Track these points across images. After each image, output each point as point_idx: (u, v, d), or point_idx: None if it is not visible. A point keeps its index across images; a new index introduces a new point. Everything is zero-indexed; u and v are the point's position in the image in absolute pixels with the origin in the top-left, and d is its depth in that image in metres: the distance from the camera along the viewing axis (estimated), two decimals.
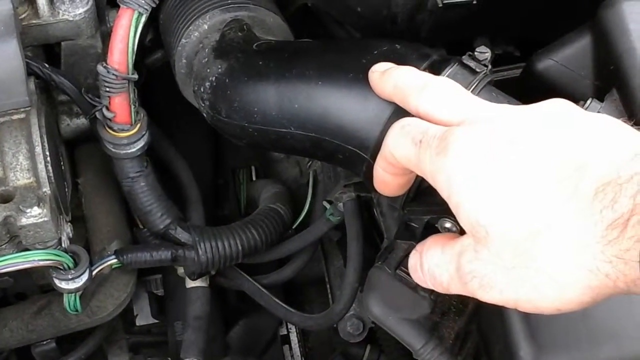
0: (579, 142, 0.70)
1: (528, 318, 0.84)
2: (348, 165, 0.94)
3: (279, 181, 1.39)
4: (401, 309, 0.87)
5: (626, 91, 0.89)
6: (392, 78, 0.85)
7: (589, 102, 0.88)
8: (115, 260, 1.18)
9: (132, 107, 1.07)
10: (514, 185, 0.70)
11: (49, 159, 1.04)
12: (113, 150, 1.10)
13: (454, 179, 0.72)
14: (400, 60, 0.88)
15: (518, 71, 1.08)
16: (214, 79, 1.03)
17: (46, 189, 1.03)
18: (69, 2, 1.08)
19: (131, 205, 1.18)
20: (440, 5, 1.02)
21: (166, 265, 1.22)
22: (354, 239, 1.18)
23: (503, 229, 0.69)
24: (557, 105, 0.74)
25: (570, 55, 0.98)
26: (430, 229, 0.82)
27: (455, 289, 0.76)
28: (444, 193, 0.73)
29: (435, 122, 0.77)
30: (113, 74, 1.02)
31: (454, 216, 0.74)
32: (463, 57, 0.89)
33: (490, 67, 0.88)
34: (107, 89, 1.03)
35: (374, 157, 0.85)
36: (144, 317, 1.42)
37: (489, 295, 0.73)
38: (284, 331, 1.46)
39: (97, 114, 1.08)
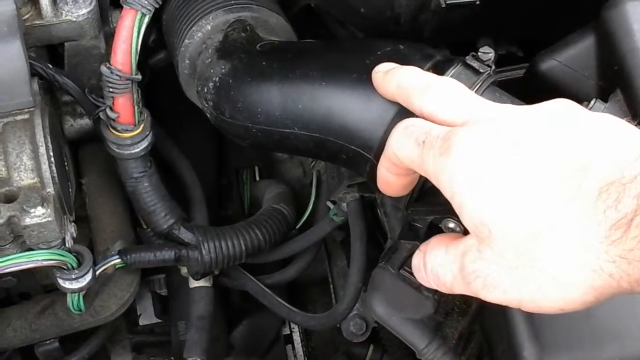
0: (582, 142, 0.70)
1: (531, 318, 0.83)
2: (352, 166, 0.94)
3: (283, 181, 1.39)
4: (405, 309, 0.87)
5: (630, 91, 0.89)
6: (395, 78, 0.85)
7: (592, 102, 0.88)
8: (119, 260, 1.18)
9: (136, 107, 1.07)
10: (517, 185, 0.69)
11: (52, 159, 1.04)
12: (117, 150, 1.10)
13: (457, 179, 0.72)
14: (403, 61, 0.88)
15: (521, 71, 1.07)
16: (217, 79, 1.03)
17: (50, 189, 1.03)
18: (72, 2, 1.08)
19: (135, 205, 1.18)
20: (444, 5, 1.02)
21: (170, 265, 1.22)
22: (357, 239, 1.18)
23: (506, 229, 0.69)
24: (560, 105, 0.74)
25: (574, 55, 0.97)
26: (434, 229, 0.82)
27: (458, 288, 0.76)
28: (447, 193, 0.73)
29: (439, 123, 0.77)
30: (116, 75, 1.02)
31: (457, 216, 0.73)
32: (466, 57, 0.89)
33: (493, 67, 0.88)
34: (111, 90, 1.03)
35: (377, 157, 0.85)
36: (147, 316, 1.42)
37: (492, 295, 0.73)
38: (287, 331, 1.46)
39: (101, 115, 1.08)
